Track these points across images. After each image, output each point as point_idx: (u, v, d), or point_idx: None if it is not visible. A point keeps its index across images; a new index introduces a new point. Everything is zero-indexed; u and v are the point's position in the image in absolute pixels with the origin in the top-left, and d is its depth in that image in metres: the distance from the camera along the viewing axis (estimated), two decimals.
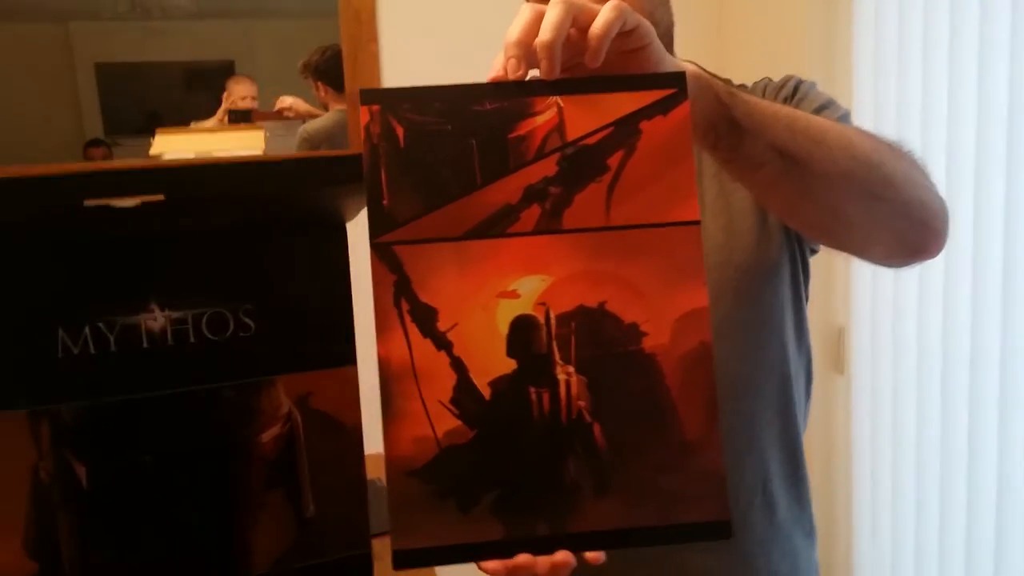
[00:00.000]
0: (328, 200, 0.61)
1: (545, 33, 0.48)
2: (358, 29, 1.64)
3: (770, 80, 0.84)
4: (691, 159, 0.50)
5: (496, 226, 0.49)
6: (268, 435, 0.61)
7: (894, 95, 1.32)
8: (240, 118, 1.70)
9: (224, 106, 1.70)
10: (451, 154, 0.49)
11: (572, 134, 0.49)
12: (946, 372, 1.28)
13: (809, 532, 0.88)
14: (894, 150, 0.64)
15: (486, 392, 0.48)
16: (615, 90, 0.50)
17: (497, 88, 0.50)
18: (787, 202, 0.62)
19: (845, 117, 0.76)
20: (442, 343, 0.48)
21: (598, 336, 0.49)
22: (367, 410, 0.60)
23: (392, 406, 0.48)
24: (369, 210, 0.48)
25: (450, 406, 0.48)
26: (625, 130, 0.50)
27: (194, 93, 1.70)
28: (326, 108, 1.71)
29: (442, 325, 0.48)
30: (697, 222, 0.50)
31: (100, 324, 0.59)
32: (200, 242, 0.61)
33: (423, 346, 0.48)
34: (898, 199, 0.62)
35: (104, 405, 0.58)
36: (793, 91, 0.80)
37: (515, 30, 0.49)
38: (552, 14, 0.48)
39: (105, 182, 0.48)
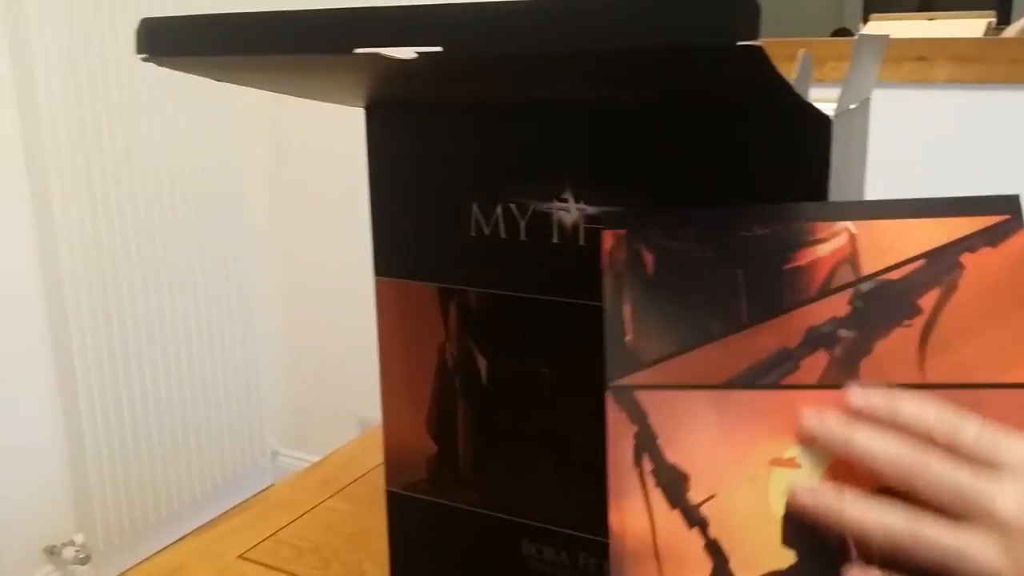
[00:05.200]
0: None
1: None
2: None
3: None
4: None
5: (768, 375, 0.39)
6: None
7: None
8: None
9: None
10: (711, 286, 0.41)
11: (869, 267, 0.40)
12: None
13: None
14: None
15: None
16: (925, 215, 0.40)
17: (770, 210, 0.41)
18: None
19: None
20: (694, 519, 0.38)
21: None
22: None
23: None
24: (607, 347, 0.41)
25: None
26: (941, 264, 0.39)
27: None
28: None
29: (694, 496, 0.39)
30: None
31: (512, 206, 0.49)
32: (632, 122, 0.46)
33: (669, 520, 0.38)
34: None
35: (509, 299, 0.50)
36: None
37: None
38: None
39: (375, 26, 0.35)
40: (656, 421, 0.40)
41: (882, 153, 0.74)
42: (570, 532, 0.52)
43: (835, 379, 0.38)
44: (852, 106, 0.46)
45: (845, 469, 0.38)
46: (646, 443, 0.39)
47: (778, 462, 0.38)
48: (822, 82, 0.51)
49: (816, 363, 0.39)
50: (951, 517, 0.34)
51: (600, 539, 0.51)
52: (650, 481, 0.39)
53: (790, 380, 0.39)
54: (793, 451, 0.38)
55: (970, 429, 0.36)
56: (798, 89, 0.36)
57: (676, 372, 0.40)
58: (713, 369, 0.39)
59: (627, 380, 0.40)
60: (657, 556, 0.38)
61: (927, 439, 0.36)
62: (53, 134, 1.62)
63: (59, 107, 1.62)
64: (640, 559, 0.38)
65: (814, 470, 0.38)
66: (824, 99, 0.43)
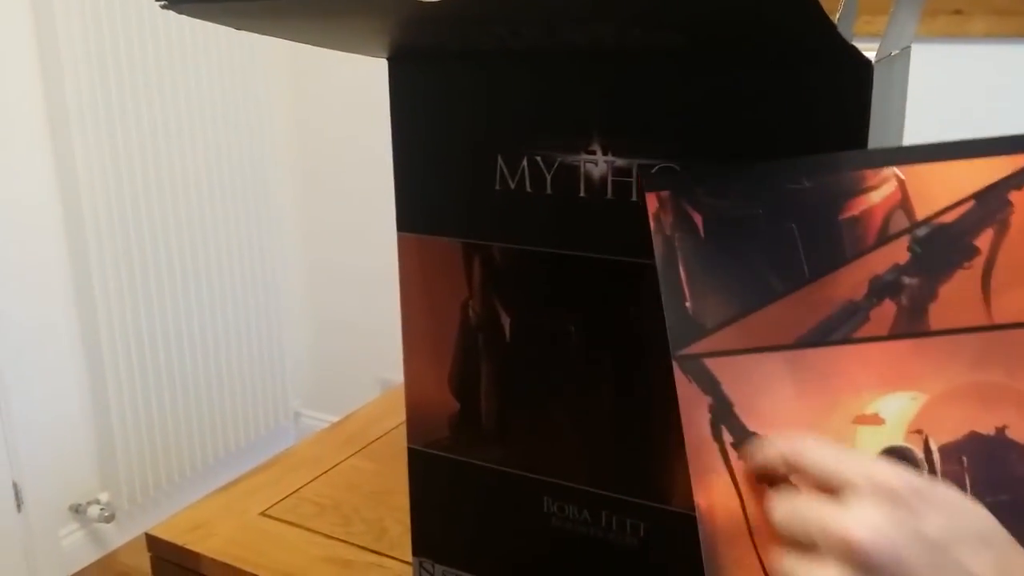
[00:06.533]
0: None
1: None
2: None
3: None
4: None
5: (838, 330, 0.38)
6: None
7: None
8: None
9: None
10: (766, 242, 0.39)
11: (922, 211, 0.38)
12: None
13: None
14: None
15: None
16: (968, 156, 0.38)
17: (814, 161, 0.39)
18: None
19: None
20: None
21: (1001, 475, 0.36)
22: None
23: None
24: (668, 315, 0.39)
25: None
26: (991, 203, 0.37)
27: None
28: None
29: None
30: None
31: (538, 158, 0.48)
32: (662, 70, 0.44)
33: (759, 493, 0.36)
34: None
35: (534, 254, 0.50)
36: None
37: None
38: None
39: None
40: (730, 389, 0.38)
41: (917, 109, 0.72)
42: (592, 490, 0.51)
43: (905, 328, 0.37)
44: (894, 52, 0.44)
45: (930, 421, 0.36)
46: (722, 413, 0.38)
47: (862, 419, 0.37)
48: (855, 36, 0.49)
49: (885, 313, 0.37)
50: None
51: (621, 497, 0.51)
52: (732, 454, 0.37)
53: (862, 333, 0.37)
54: (875, 406, 0.37)
55: (810, 456, 0.34)
56: (841, 31, 0.35)
57: (743, 335, 0.38)
58: (781, 328, 0.38)
59: (693, 348, 0.39)
60: (751, 532, 0.37)
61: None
62: (77, 103, 1.62)
63: (83, 79, 1.62)
64: (733, 538, 0.37)
65: (899, 425, 0.37)
66: (863, 48, 0.42)
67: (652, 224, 0.41)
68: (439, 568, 0.58)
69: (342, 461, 0.77)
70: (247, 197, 2.00)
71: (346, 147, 2.10)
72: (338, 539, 0.65)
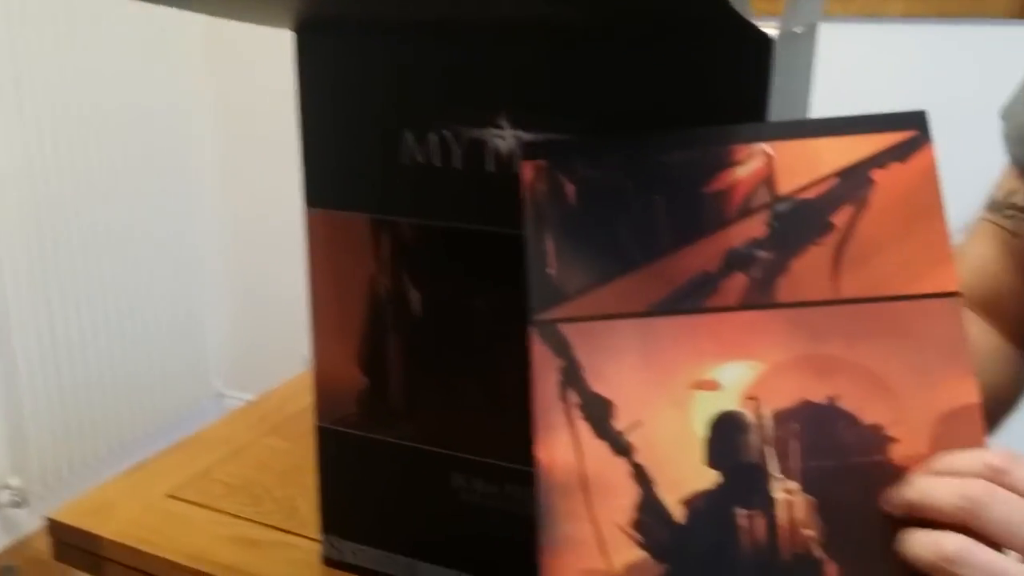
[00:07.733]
0: None
1: None
2: None
3: None
4: (941, 215, 0.39)
5: (690, 299, 0.39)
6: None
7: None
8: None
9: None
10: (632, 214, 0.40)
11: (785, 187, 0.40)
12: None
13: None
14: None
15: (679, 513, 0.38)
16: (837, 133, 0.40)
17: (688, 135, 0.40)
18: None
19: None
20: (620, 447, 0.38)
21: (829, 442, 0.38)
22: None
23: (554, 530, 0.38)
24: (530, 280, 0.41)
25: (631, 531, 0.38)
26: (853, 181, 0.39)
27: None
28: None
29: (620, 424, 0.39)
30: (956, 293, 0.38)
31: (446, 132, 0.47)
32: (567, 45, 0.44)
33: (596, 450, 0.38)
34: None
35: (443, 229, 0.49)
36: None
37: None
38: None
39: None
40: (581, 353, 0.39)
41: (832, 91, 0.73)
42: (501, 464, 0.51)
43: (755, 300, 0.39)
44: (797, 30, 0.45)
45: (765, 389, 0.38)
46: (571, 376, 0.39)
47: (700, 384, 0.39)
48: (771, 13, 0.49)
49: (735, 285, 0.39)
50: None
51: (530, 470, 0.51)
52: (576, 414, 0.39)
53: (711, 303, 0.39)
54: (714, 373, 0.39)
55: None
56: (736, 6, 0.35)
57: (600, 302, 0.40)
58: (636, 297, 0.39)
59: (551, 314, 0.40)
60: (585, 486, 0.38)
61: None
62: None
63: None
64: (567, 491, 0.38)
65: (734, 391, 0.38)
66: (767, 26, 0.42)
67: (527, 193, 0.42)
68: (348, 545, 0.57)
69: (255, 440, 0.76)
70: (164, 165, 1.95)
71: (267, 114, 2.06)
72: (246, 519, 0.64)
